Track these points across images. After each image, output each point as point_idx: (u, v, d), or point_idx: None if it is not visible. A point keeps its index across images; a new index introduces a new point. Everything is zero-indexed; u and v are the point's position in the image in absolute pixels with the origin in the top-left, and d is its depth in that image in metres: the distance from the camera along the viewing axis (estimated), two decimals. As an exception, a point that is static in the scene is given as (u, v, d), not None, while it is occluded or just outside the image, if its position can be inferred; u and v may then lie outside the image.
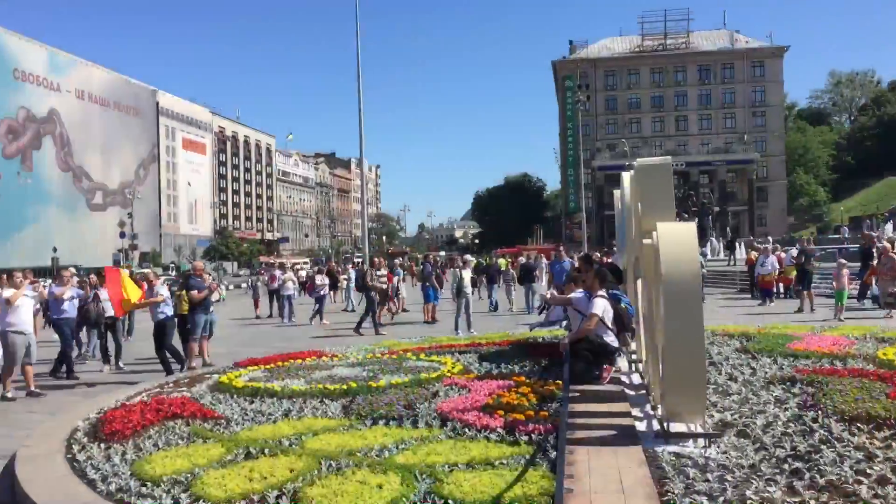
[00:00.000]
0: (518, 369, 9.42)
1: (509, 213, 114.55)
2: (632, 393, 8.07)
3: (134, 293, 12.69)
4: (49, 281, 22.60)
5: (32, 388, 11.03)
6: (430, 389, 8.33)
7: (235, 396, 8.55)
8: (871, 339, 10.88)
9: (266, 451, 6.15)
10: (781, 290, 23.66)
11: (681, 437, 5.99)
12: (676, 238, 5.88)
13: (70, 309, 13.21)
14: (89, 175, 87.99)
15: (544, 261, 22.38)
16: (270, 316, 25.17)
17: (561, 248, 19.40)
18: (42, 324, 19.49)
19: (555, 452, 5.67)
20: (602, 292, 8.64)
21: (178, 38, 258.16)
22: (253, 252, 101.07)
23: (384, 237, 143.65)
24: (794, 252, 21.66)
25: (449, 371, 9.36)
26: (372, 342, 14.27)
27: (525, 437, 6.16)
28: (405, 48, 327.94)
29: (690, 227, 5.96)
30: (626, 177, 10.01)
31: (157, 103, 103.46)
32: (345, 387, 8.52)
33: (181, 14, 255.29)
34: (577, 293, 9.10)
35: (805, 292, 19.63)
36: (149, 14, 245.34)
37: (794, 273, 21.18)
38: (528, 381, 8.37)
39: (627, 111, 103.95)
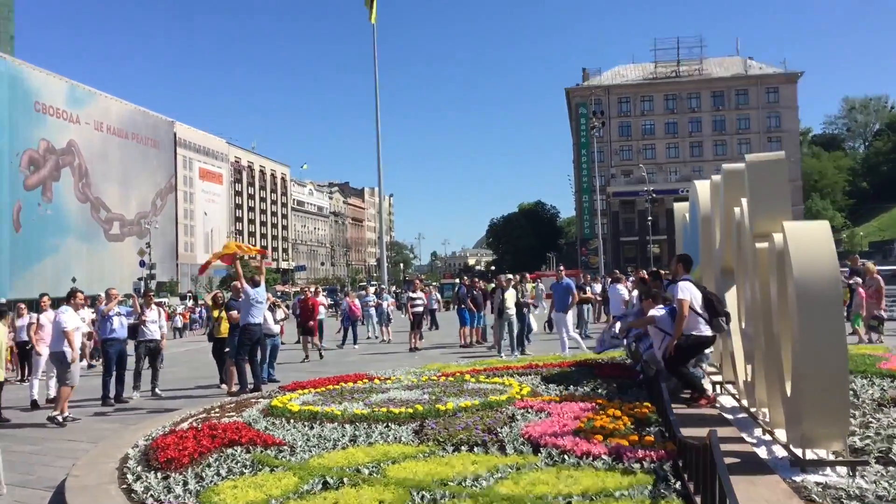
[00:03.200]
0: (591, 391, 8.74)
1: (524, 241, 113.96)
2: (729, 416, 7.36)
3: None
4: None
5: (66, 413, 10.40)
6: (504, 412, 7.66)
7: (292, 421, 7.89)
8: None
9: (345, 480, 5.50)
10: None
11: (819, 465, 5.29)
12: (811, 238, 5.22)
13: (119, 329, 12.45)
14: (107, 206, 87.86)
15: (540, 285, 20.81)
16: (298, 342, 24.45)
17: (561, 268, 18.02)
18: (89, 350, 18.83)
19: (678, 482, 5.00)
20: (687, 276, 7.91)
21: (194, 70, 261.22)
22: (269, 281, 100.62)
23: (400, 265, 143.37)
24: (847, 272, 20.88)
25: (518, 393, 8.68)
26: (418, 364, 13.57)
27: (637, 465, 5.47)
28: (419, 76, 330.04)
29: (825, 226, 5.30)
30: (701, 185, 9.41)
31: (175, 134, 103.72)
32: (411, 410, 7.84)
33: (196, 47, 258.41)
34: (658, 309, 8.41)
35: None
36: (166, 47, 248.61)
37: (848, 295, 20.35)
38: (611, 402, 7.68)
39: (641, 137, 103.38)
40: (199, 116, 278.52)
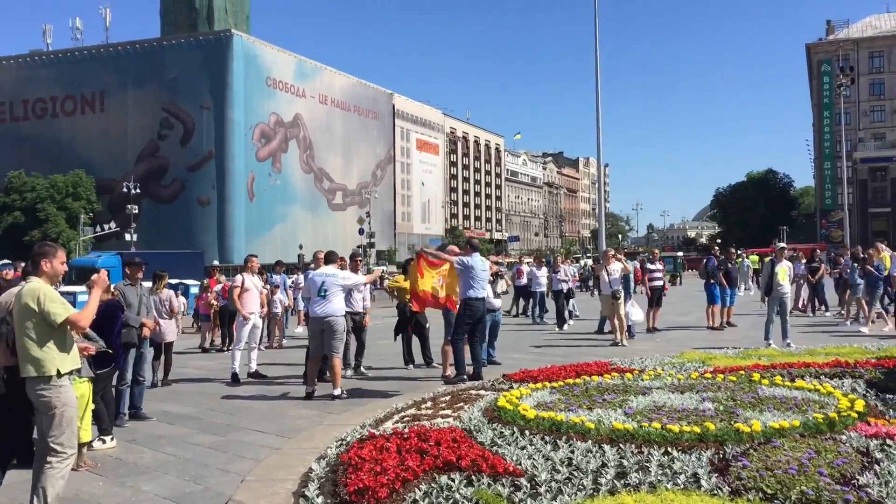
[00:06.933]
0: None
1: (752, 212, 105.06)
2: None
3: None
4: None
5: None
6: (847, 444, 5.05)
7: (527, 434, 5.76)
8: None
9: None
10: None
11: None
12: None
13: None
14: (330, 176, 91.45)
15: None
16: (516, 315, 22.57)
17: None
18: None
19: None
20: None
21: (412, 43, 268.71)
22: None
23: (618, 237, 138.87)
24: None
25: (849, 409, 5.97)
26: (668, 353, 11.01)
27: None
28: (636, 37, 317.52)
29: None
30: None
31: (393, 106, 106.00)
32: (697, 429, 5.45)
33: (414, 21, 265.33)
34: None
35: None
36: (386, 21, 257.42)
37: None
38: None
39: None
40: (415, 88, 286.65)
